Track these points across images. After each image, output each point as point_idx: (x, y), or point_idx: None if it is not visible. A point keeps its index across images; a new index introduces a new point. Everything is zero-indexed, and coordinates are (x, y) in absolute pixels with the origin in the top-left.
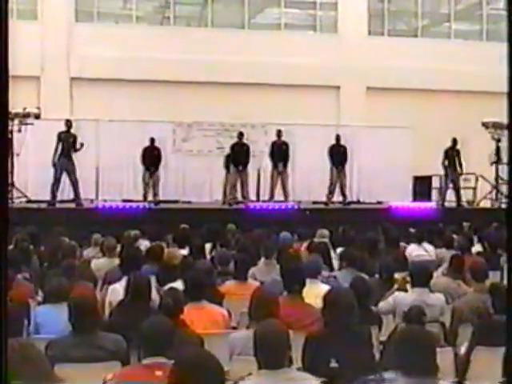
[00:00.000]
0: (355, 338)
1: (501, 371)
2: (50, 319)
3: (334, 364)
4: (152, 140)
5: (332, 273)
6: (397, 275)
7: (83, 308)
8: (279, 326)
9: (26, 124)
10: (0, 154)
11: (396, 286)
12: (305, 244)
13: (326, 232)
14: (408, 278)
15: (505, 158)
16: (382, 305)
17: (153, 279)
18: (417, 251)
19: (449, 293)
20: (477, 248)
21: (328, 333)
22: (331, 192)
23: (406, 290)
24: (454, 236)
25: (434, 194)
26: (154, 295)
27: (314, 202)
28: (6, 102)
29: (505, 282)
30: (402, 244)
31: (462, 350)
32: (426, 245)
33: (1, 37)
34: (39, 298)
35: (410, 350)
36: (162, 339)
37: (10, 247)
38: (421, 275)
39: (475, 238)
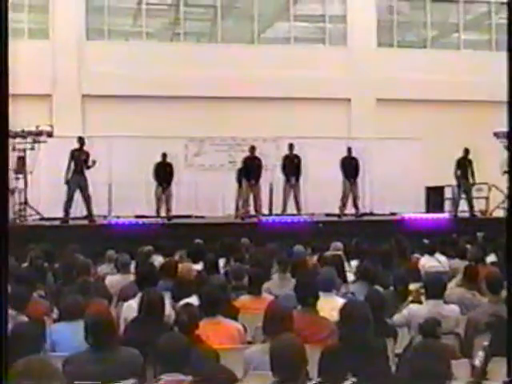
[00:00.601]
0: (371, 350)
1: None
2: (66, 336)
3: (350, 377)
4: (164, 155)
5: (347, 286)
6: (411, 287)
7: (99, 325)
8: (295, 340)
9: (39, 142)
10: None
11: (410, 298)
12: (318, 257)
13: (339, 245)
14: (422, 290)
15: None
16: (397, 317)
17: (167, 295)
18: (430, 262)
19: (463, 303)
20: (491, 258)
21: (344, 346)
22: (344, 204)
23: (420, 302)
24: (468, 246)
25: (447, 205)
26: (169, 311)
27: (327, 215)
28: (6, 111)
29: None
30: (416, 255)
31: (478, 361)
32: (439, 256)
33: (1, 42)
34: (54, 316)
35: (424, 363)
36: (179, 355)
37: (25, 265)
38: (435, 287)
39: (489, 248)
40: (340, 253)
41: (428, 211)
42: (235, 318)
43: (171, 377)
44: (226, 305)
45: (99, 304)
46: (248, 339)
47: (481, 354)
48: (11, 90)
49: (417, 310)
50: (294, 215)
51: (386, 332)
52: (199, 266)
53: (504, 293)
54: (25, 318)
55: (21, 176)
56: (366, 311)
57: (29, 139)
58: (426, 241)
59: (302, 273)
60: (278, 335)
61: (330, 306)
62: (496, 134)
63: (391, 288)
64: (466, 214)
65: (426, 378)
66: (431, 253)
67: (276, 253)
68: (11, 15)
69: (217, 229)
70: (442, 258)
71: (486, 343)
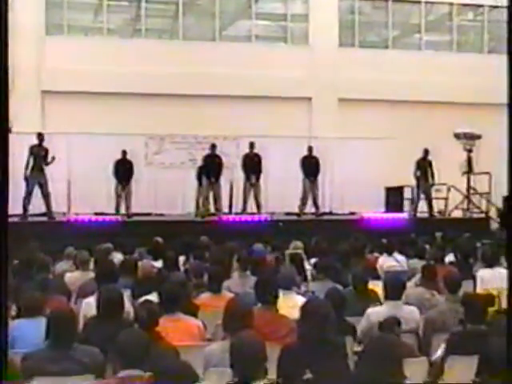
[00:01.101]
0: (330, 348)
1: (472, 380)
2: (25, 333)
3: (308, 375)
4: (124, 153)
5: (307, 284)
6: (370, 285)
7: (61, 321)
8: (255, 337)
9: None
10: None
11: None
12: (278, 255)
13: (299, 244)
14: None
15: (476, 168)
16: (361, 326)
17: (127, 292)
18: (388, 262)
19: (422, 304)
20: (449, 258)
21: (303, 344)
22: (304, 203)
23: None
24: (427, 246)
25: (406, 205)
26: (129, 308)
27: (287, 214)
28: (6, 111)
29: (477, 291)
30: (375, 254)
31: (436, 356)
32: (397, 255)
33: (1, 44)
34: (13, 313)
35: (379, 358)
36: (138, 352)
37: None
38: (394, 287)
39: (447, 248)
40: (300, 251)
41: (387, 211)
42: (195, 316)
43: (130, 373)
44: (186, 302)
45: (58, 301)
46: (208, 336)
47: (439, 352)
48: None
49: (376, 313)
50: (254, 214)
51: (346, 330)
52: (159, 264)
53: (461, 292)
54: None
55: None
56: (327, 309)
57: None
58: (384, 240)
59: (262, 271)
60: (237, 332)
61: (289, 304)
62: (456, 135)
63: (350, 287)
64: (425, 215)
65: (380, 371)
66: (390, 252)
67: (236, 251)
68: None
69: (176, 227)
70: (401, 258)
71: (443, 341)
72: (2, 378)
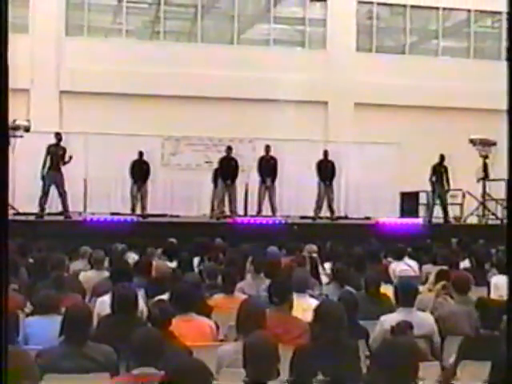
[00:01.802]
0: (343, 351)
1: None
2: (39, 330)
3: (320, 377)
4: (140, 154)
5: (321, 287)
6: (382, 288)
7: (76, 319)
8: (268, 338)
9: (16, 137)
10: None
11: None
12: (293, 258)
13: (314, 247)
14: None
15: (492, 174)
16: (374, 333)
17: (141, 292)
18: (400, 267)
19: (435, 308)
20: (464, 264)
21: (316, 345)
22: (319, 207)
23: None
24: (442, 252)
25: (422, 210)
26: (143, 308)
27: (302, 217)
28: (6, 112)
29: (491, 296)
30: (389, 259)
31: (449, 361)
32: (409, 261)
33: (1, 44)
34: (27, 310)
35: (392, 361)
36: (152, 350)
37: None
38: (407, 294)
39: (462, 254)
40: (315, 255)
41: (402, 216)
42: (208, 316)
43: (144, 371)
44: (200, 302)
45: (76, 298)
46: (221, 337)
47: (452, 356)
48: None
49: (390, 319)
50: (268, 217)
51: (358, 333)
52: (173, 265)
53: (472, 294)
54: None
55: None
56: (340, 312)
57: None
58: (399, 245)
59: (276, 273)
60: (250, 334)
61: (302, 306)
62: (472, 141)
63: (363, 290)
64: (441, 220)
65: (393, 373)
66: (404, 257)
67: (250, 253)
68: None
69: (191, 228)
70: (413, 263)
71: (456, 346)
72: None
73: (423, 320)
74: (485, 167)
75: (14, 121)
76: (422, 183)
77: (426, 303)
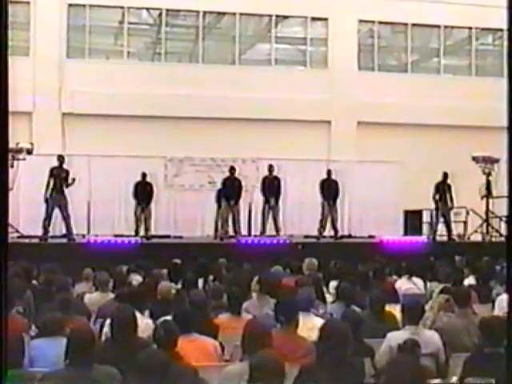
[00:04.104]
0: (348, 369)
1: None
2: (45, 353)
3: None
4: (144, 175)
5: (326, 306)
6: (387, 308)
7: (80, 341)
8: (274, 357)
9: (19, 159)
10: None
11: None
12: (297, 278)
13: (314, 261)
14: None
15: (495, 191)
16: (380, 351)
17: (146, 313)
18: (406, 285)
19: (439, 326)
20: (469, 281)
21: (322, 364)
22: (323, 226)
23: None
24: (446, 269)
25: (425, 228)
26: (148, 329)
27: (306, 236)
28: (6, 137)
29: (495, 313)
30: (394, 277)
31: (454, 380)
32: (415, 279)
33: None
34: (33, 333)
35: (397, 379)
36: (157, 371)
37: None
38: (413, 312)
39: (467, 272)
40: (315, 270)
41: (406, 234)
42: (215, 337)
43: None
44: (205, 322)
45: (81, 321)
46: (226, 357)
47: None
48: None
49: (396, 336)
50: (272, 236)
51: (364, 352)
52: (178, 286)
53: (476, 306)
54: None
55: None
56: (345, 331)
57: (8, 156)
58: (403, 263)
59: (281, 293)
60: (256, 353)
61: (308, 325)
62: (474, 159)
63: (368, 309)
64: (444, 238)
65: None
66: (408, 275)
67: (255, 273)
68: None
69: (195, 249)
70: (418, 281)
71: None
72: (2, 378)
73: (429, 338)
74: (488, 184)
75: (17, 144)
76: (425, 201)
77: (431, 321)
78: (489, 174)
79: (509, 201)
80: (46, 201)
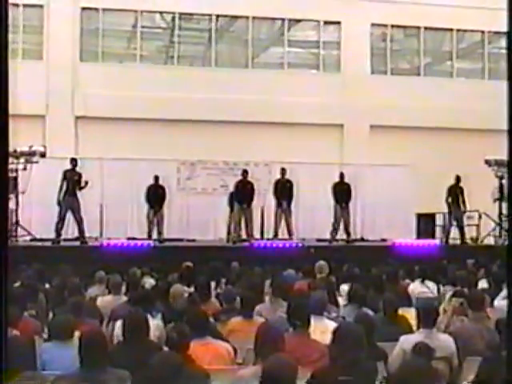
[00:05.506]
0: (361, 373)
1: None
2: (57, 356)
3: None
4: (156, 178)
5: (338, 310)
6: (400, 311)
7: (92, 344)
8: (287, 361)
9: (32, 162)
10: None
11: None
12: (309, 281)
13: (324, 264)
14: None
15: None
16: (394, 353)
17: (159, 317)
18: (419, 288)
19: (449, 325)
20: (482, 284)
21: (335, 368)
22: (335, 230)
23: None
24: (459, 273)
25: (438, 232)
26: (161, 332)
27: (318, 240)
28: (7, 142)
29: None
30: (406, 281)
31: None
32: (428, 282)
33: (1, 45)
34: (45, 336)
35: (410, 382)
36: (170, 374)
37: (16, 285)
38: (427, 316)
39: (480, 275)
40: (325, 273)
41: (419, 238)
42: (226, 340)
43: None
44: (218, 326)
45: (93, 324)
46: (239, 361)
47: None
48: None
49: (410, 340)
50: (285, 240)
51: (377, 355)
52: (190, 289)
53: (489, 310)
54: (17, 333)
55: (12, 196)
56: (359, 334)
57: (21, 159)
58: (416, 267)
59: (294, 296)
60: (269, 357)
61: (320, 329)
62: (487, 162)
63: (381, 312)
64: (457, 241)
65: None
66: (421, 279)
67: (267, 276)
68: None
69: (208, 252)
70: (431, 284)
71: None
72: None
73: (443, 342)
74: (501, 188)
75: (30, 147)
76: (437, 204)
77: (444, 324)
78: (501, 178)
79: (509, 201)
80: (59, 204)
